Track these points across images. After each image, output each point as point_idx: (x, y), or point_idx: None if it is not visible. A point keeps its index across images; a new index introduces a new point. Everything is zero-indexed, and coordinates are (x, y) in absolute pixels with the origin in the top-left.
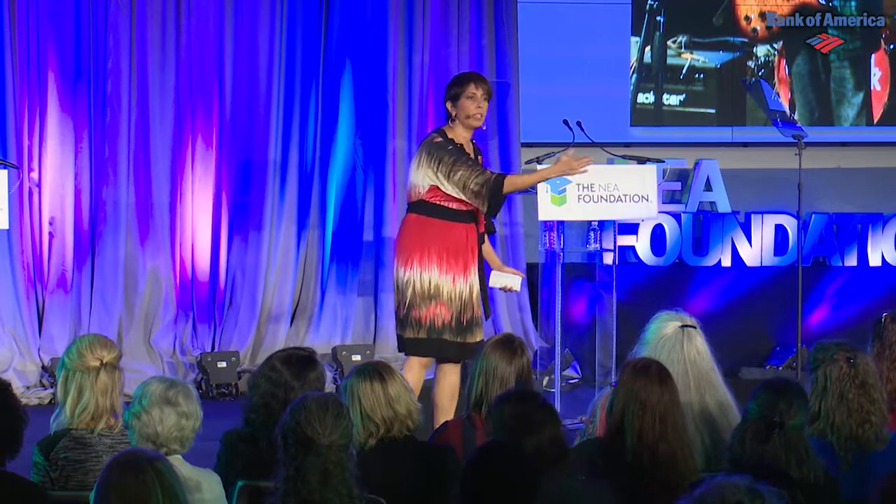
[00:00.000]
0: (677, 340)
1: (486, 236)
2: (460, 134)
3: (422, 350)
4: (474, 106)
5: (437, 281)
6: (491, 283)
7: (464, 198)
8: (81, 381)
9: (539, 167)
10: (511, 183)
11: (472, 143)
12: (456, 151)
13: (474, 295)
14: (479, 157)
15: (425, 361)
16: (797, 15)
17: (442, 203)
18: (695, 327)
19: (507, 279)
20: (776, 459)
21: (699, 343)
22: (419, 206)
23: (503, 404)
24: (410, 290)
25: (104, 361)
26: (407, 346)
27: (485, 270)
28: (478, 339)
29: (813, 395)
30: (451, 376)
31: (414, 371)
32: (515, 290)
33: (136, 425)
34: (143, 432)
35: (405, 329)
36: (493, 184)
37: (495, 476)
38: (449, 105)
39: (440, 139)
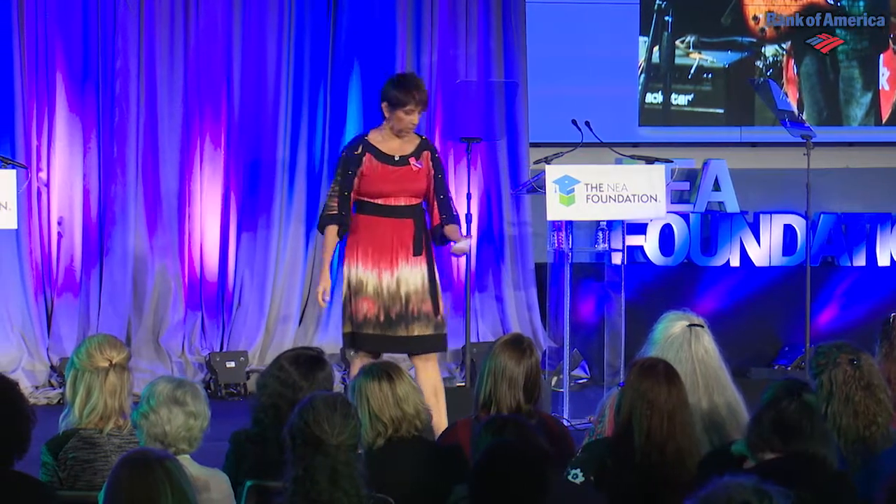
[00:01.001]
0: (685, 340)
1: (446, 222)
2: (390, 134)
3: (347, 343)
4: (409, 121)
5: (362, 276)
6: (451, 252)
7: None
8: (90, 381)
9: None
10: (324, 241)
11: (421, 139)
12: (344, 160)
13: (406, 289)
14: (426, 154)
15: (372, 355)
16: (805, 15)
17: (368, 199)
18: (702, 326)
19: (459, 245)
20: (796, 422)
21: (707, 342)
22: (355, 204)
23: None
24: (345, 285)
25: (113, 362)
26: (344, 341)
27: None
28: (415, 334)
29: (818, 400)
30: (425, 372)
31: (356, 367)
32: (465, 252)
33: (144, 425)
34: (152, 432)
35: (343, 323)
36: (321, 221)
37: (504, 476)
38: (384, 106)
39: (351, 144)
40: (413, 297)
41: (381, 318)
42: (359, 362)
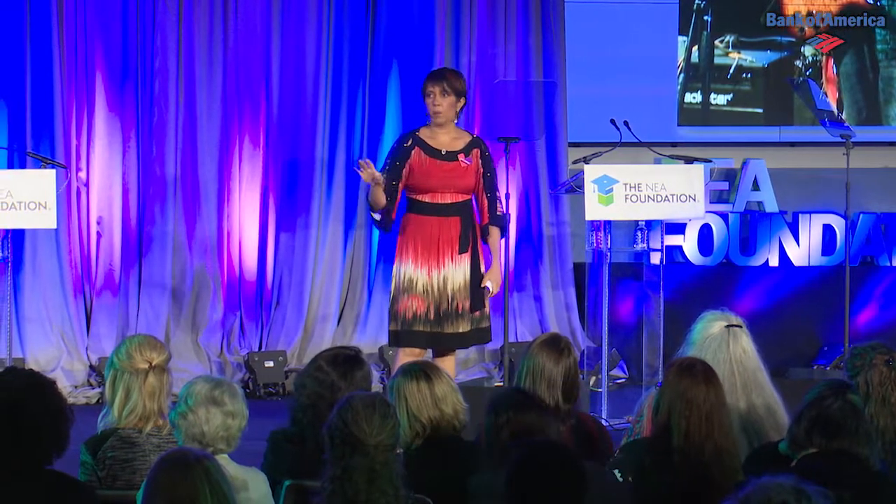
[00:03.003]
0: (723, 340)
1: (491, 228)
2: (434, 129)
3: (395, 341)
4: (430, 103)
5: (412, 274)
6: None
7: None
8: (129, 382)
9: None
10: (370, 193)
11: (473, 138)
12: (393, 150)
13: (451, 287)
14: (476, 151)
15: (415, 353)
16: (845, 15)
17: (415, 197)
18: (741, 326)
19: (488, 282)
20: (840, 420)
21: (745, 342)
22: (406, 203)
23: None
24: (393, 284)
25: (153, 364)
26: (389, 338)
27: (486, 262)
28: (460, 330)
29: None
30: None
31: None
32: (491, 293)
33: (182, 425)
34: (190, 432)
35: (390, 321)
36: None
37: (542, 476)
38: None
39: (401, 136)
40: (458, 295)
41: (432, 315)
42: (403, 358)
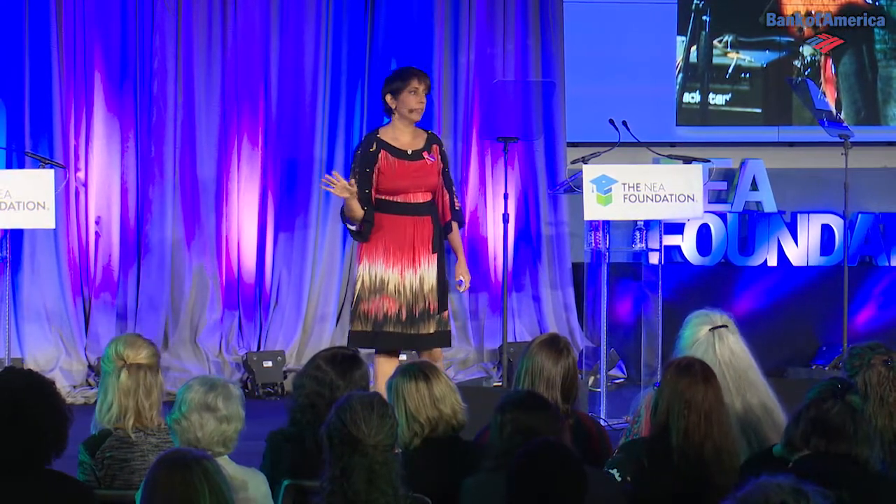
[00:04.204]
0: (709, 344)
1: (453, 224)
2: (398, 129)
3: (365, 342)
4: (416, 101)
5: (383, 274)
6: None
7: None
8: (108, 381)
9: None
10: (345, 207)
11: (428, 134)
12: (359, 158)
13: (426, 287)
14: (435, 147)
15: (393, 359)
16: (843, 15)
17: (385, 197)
18: (726, 326)
19: (460, 277)
20: (839, 423)
21: (732, 342)
22: (375, 203)
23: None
24: (360, 284)
25: (128, 362)
26: (353, 339)
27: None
28: (431, 331)
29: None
30: (384, 367)
31: (383, 368)
32: (464, 287)
33: (177, 430)
34: (184, 437)
35: (353, 322)
36: (344, 214)
37: (541, 476)
38: (388, 98)
39: (363, 139)
40: (429, 296)
41: (404, 316)
42: (383, 361)
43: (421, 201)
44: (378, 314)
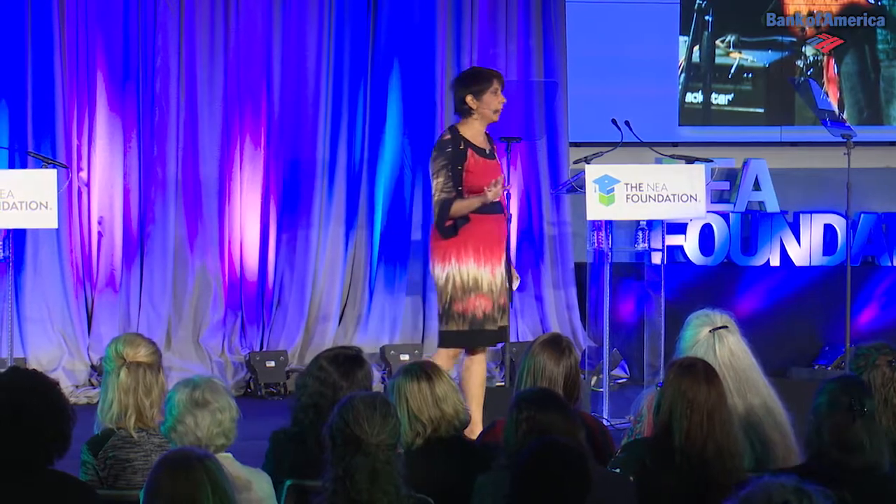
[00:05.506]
0: (709, 346)
1: None
2: (475, 129)
3: (463, 342)
4: (498, 101)
5: (476, 273)
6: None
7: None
8: (109, 380)
9: (477, 198)
10: (457, 208)
11: (486, 136)
12: (451, 156)
13: (504, 282)
14: (493, 148)
15: (454, 353)
16: (846, 15)
17: (467, 197)
18: (726, 327)
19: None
20: (859, 445)
21: (732, 343)
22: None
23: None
24: (451, 284)
25: (127, 360)
26: (449, 339)
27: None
28: (506, 323)
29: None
30: (481, 364)
31: (443, 362)
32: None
33: (175, 437)
34: (185, 441)
35: (448, 323)
36: (445, 203)
37: (547, 475)
38: (469, 98)
39: (448, 137)
40: (503, 290)
41: (496, 312)
42: (446, 358)
43: (498, 200)
44: (476, 313)
